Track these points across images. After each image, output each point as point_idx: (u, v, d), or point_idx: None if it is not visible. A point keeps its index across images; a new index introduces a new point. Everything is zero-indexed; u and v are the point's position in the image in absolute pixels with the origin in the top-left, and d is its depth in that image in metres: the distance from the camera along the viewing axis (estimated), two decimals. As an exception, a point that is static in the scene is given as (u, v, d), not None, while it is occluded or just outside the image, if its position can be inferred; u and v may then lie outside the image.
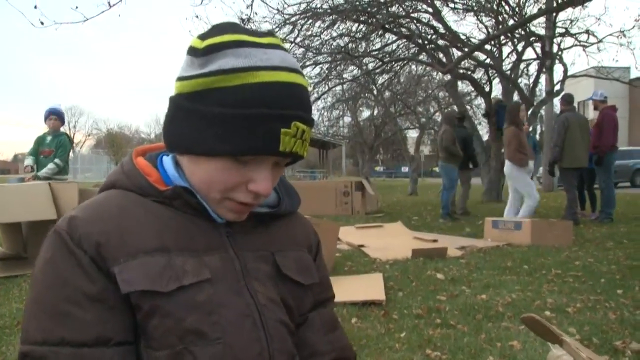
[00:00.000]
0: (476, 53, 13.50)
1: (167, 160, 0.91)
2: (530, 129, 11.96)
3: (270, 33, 0.87)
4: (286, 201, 0.99)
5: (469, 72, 15.03)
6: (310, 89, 15.31)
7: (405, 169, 44.09)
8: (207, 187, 0.84)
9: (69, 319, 0.77)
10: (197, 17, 16.90)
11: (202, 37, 0.83)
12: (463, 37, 14.15)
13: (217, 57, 0.79)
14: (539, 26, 14.03)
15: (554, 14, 13.10)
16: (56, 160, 6.81)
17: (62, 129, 7.25)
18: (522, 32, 13.35)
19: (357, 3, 12.26)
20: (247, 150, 0.79)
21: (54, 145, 6.84)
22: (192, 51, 0.82)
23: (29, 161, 6.89)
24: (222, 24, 0.84)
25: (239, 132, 0.78)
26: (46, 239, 0.83)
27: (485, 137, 14.39)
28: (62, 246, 0.80)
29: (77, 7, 7.76)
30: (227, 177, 0.82)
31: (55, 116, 6.93)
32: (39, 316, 0.79)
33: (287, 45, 12.66)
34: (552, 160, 8.48)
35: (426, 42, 13.77)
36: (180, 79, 0.83)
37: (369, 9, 12.21)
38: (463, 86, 20.97)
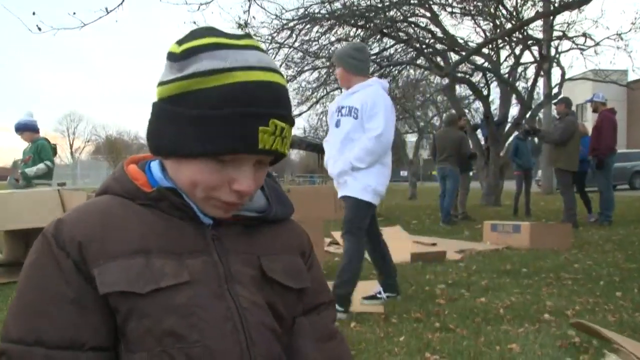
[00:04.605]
0: (474, 57, 13.53)
1: (155, 165, 0.93)
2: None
3: (247, 35, 0.88)
4: (276, 207, 0.98)
5: (467, 76, 15.04)
6: (308, 93, 15.32)
7: (404, 173, 44.06)
8: (191, 188, 0.85)
9: (46, 320, 0.78)
10: (194, 23, 16.89)
11: (180, 42, 0.84)
12: (461, 40, 14.16)
13: (194, 61, 0.81)
14: (536, 29, 14.07)
15: (551, 18, 13.14)
16: (47, 162, 6.74)
17: (42, 135, 7.15)
18: (520, 36, 13.36)
19: (355, 8, 12.27)
20: (226, 149, 0.80)
21: (33, 151, 6.77)
22: (170, 56, 0.84)
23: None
24: (199, 28, 0.86)
25: (217, 132, 0.79)
26: (36, 241, 0.85)
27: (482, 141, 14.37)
28: (47, 249, 0.82)
29: (74, 13, 7.76)
30: (209, 177, 0.83)
31: (22, 131, 6.81)
32: (18, 316, 0.81)
33: (285, 50, 12.78)
34: (541, 134, 8.41)
35: (424, 46, 13.79)
36: (160, 84, 0.85)
37: (366, 14, 12.22)
38: (461, 90, 21.03)
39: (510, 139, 13.06)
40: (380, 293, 4.02)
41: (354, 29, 13.31)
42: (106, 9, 7.88)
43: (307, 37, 13.02)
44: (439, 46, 14.13)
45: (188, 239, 0.87)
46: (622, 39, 13.96)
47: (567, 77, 14.78)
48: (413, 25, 13.72)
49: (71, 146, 71.60)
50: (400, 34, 13.50)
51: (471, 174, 11.38)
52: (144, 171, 0.93)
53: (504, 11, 13.52)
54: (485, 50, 13.92)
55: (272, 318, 0.90)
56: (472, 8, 13.38)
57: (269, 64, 0.84)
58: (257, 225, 0.96)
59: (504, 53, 15.58)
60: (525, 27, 12.44)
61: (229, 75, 0.80)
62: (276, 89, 0.83)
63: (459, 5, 13.21)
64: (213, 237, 0.89)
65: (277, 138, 0.83)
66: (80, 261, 0.80)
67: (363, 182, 3.60)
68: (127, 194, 0.89)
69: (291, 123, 0.86)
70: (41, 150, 6.75)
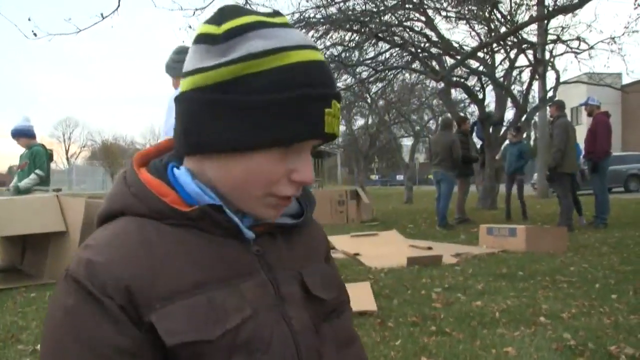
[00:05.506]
0: (469, 61, 13.57)
1: (182, 174, 0.78)
2: (525, 135, 11.99)
3: (278, 13, 0.79)
4: (309, 209, 0.91)
5: (462, 80, 15.10)
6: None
7: (400, 177, 44.16)
8: (246, 185, 0.75)
9: None
10: (190, 27, 16.92)
11: (216, 22, 0.74)
12: (456, 45, 14.24)
13: (241, 41, 0.71)
14: (530, 33, 14.16)
15: (546, 22, 13.20)
16: (37, 170, 6.58)
17: (39, 141, 6.97)
18: (514, 40, 13.44)
19: (350, 12, 12.32)
20: (295, 136, 0.72)
21: (28, 157, 6.65)
22: (207, 38, 0.74)
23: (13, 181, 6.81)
24: (228, 6, 0.76)
25: (283, 117, 0.71)
26: (60, 286, 0.72)
27: (478, 144, 14.42)
28: (84, 296, 0.68)
29: (70, 19, 7.77)
30: (269, 170, 0.74)
31: (18, 137, 6.70)
32: None
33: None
34: (554, 164, 8.38)
35: (419, 50, 13.85)
36: (196, 71, 0.74)
37: (361, 18, 12.27)
38: (456, 94, 21.09)
39: (507, 142, 13.12)
40: None
41: (349, 34, 13.37)
42: (102, 14, 7.90)
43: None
44: (434, 50, 14.19)
45: (236, 260, 0.78)
46: (615, 42, 14.09)
47: (561, 80, 14.86)
48: (408, 30, 13.79)
49: (67, 152, 71.61)
50: (396, 38, 13.56)
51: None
52: (165, 179, 0.79)
53: (498, 15, 13.61)
54: (480, 54, 13.98)
55: (318, 338, 0.84)
56: (466, 12, 13.46)
57: (311, 42, 0.76)
58: (291, 232, 0.88)
59: (498, 57, 15.66)
60: (520, 31, 12.52)
61: (285, 55, 0.71)
62: (327, 68, 0.76)
63: (454, 10, 13.29)
64: (257, 253, 0.81)
65: (336, 120, 0.76)
66: (129, 306, 0.68)
67: None
68: (156, 214, 0.75)
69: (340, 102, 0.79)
70: (35, 157, 6.68)
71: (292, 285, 0.83)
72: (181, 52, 3.64)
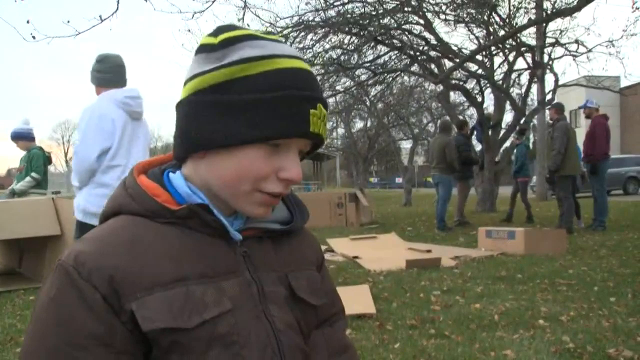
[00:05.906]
0: (468, 64, 13.59)
1: (176, 177, 0.86)
2: (524, 137, 11.99)
3: (270, 32, 0.88)
4: (298, 217, 0.96)
5: (461, 83, 15.11)
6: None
7: (399, 180, 44.17)
8: (236, 181, 0.81)
9: None
10: (189, 31, 16.98)
11: (214, 34, 0.82)
12: (454, 48, 14.24)
13: (234, 49, 0.79)
14: (529, 36, 14.17)
15: (544, 25, 13.23)
16: (32, 173, 6.52)
17: (38, 143, 6.89)
18: (513, 43, 13.45)
19: (349, 16, 12.33)
20: (281, 133, 0.78)
21: (26, 160, 6.60)
22: (206, 47, 0.81)
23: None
24: (226, 25, 0.85)
25: (271, 115, 0.77)
26: (51, 274, 0.77)
27: (478, 147, 14.42)
28: (69, 283, 0.74)
29: (69, 22, 7.78)
30: (260, 166, 0.80)
31: (17, 140, 6.67)
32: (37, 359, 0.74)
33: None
34: (554, 167, 8.38)
35: (418, 53, 13.85)
36: (195, 76, 0.81)
37: (360, 21, 12.28)
38: (455, 97, 21.13)
39: (508, 143, 13.15)
40: None
41: (348, 37, 13.38)
42: (100, 17, 7.91)
43: (301, 45, 13.07)
44: (432, 53, 14.20)
45: (220, 258, 0.83)
46: (613, 45, 14.11)
47: (560, 83, 14.88)
48: (407, 33, 13.79)
49: (66, 154, 71.62)
50: (394, 41, 13.56)
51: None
52: (161, 183, 0.86)
53: (497, 18, 13.62)
54: (479, 57, 13.99)
55: (302, 338, 0.88)
56: (465, 15, 13.46)
57: (298, 54, 0.84)
58: (280, 238, 0.93)
59: (497, 60, 15.68)
60: (519, 34, 12.53)
61: (274, 61, 0.79)
62: (313, 76, 0.83)
63: (453, 13, 13.29)
64: (243, 254, 0.85)
65: (322, 123, 0.82)
66: (112, 295, 0.73)
67: (76, 202, 3.40)
68: (149, 212, 0.82)
69: (327, 110, 0.86)
70: (32, 160, 6.65)
71: (277, 286, 0.87)
72: (102, 61, 3.49)
